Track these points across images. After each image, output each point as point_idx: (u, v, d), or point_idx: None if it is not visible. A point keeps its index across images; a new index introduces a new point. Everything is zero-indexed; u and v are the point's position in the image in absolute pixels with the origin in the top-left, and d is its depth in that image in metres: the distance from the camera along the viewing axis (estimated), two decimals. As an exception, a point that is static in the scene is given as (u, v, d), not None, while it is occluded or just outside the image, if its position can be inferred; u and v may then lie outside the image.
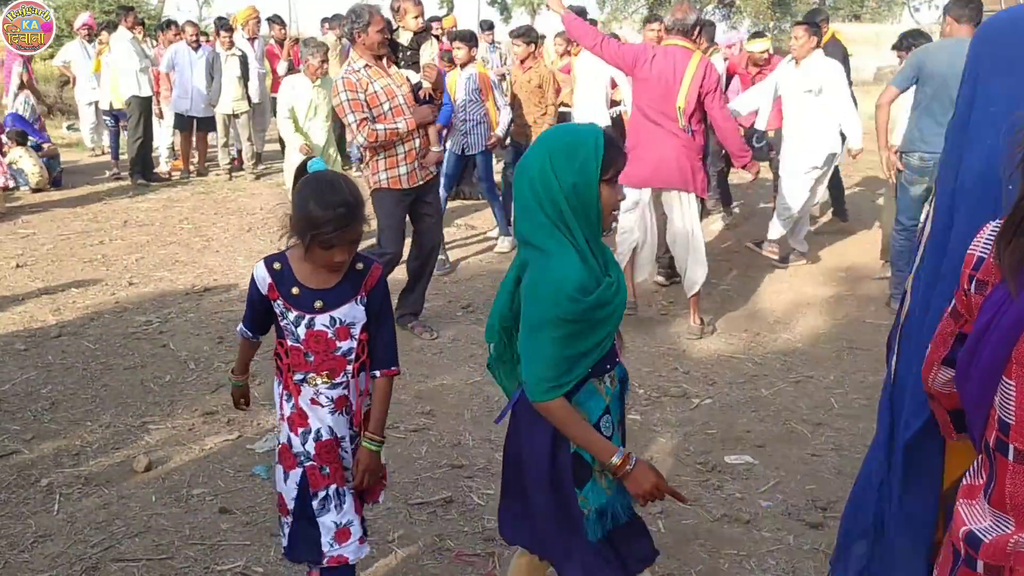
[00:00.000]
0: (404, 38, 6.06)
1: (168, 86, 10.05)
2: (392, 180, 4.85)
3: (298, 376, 2.28)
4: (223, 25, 10.11)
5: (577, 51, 7.63)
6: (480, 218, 8.26)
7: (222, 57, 9.77)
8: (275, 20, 11.04)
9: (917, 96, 5.25)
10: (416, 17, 5.28)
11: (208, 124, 10.32)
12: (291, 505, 2.31)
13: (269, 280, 2.25)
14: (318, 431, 2.29)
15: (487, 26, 12.15)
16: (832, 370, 4.71)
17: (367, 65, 4.74)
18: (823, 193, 7.05)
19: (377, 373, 2.37)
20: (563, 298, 1.85)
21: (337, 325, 2.25)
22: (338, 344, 2.26)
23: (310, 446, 2.29)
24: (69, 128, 13.34)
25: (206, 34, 10.14)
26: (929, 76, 5.10)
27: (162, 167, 10.49)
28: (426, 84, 5.17)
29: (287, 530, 2.34)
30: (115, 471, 3.55)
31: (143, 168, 9.89)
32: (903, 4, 32.77)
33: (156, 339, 5.08)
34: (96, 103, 10.97)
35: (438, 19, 10.95)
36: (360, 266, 2.28)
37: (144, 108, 9.80)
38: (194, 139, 10.44)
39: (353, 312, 2.27)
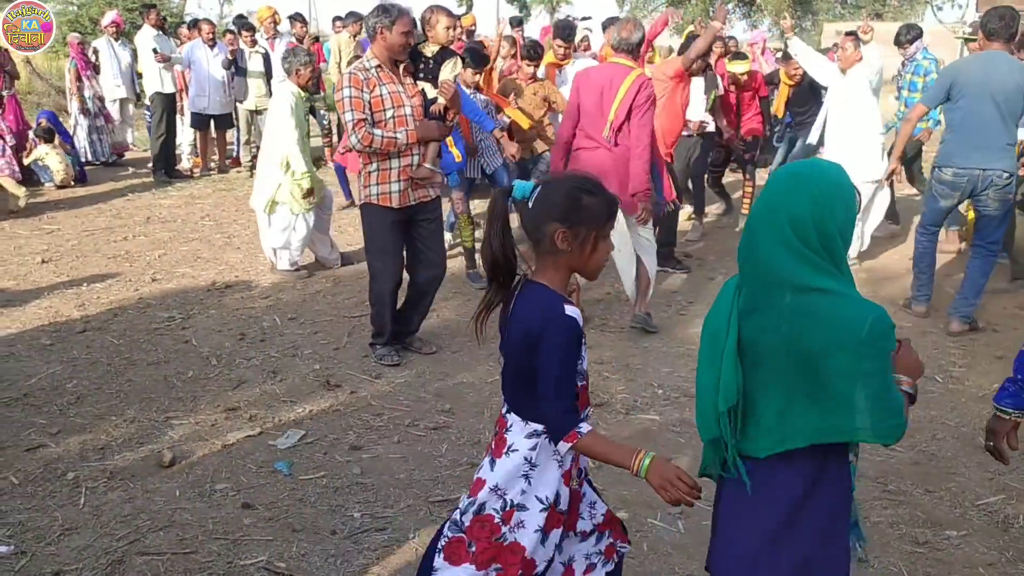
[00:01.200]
0: (429, 50, 5.70)
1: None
2: (382, 197, 4.52)
3: (582, 414, 2.09)
4: (244, 24, 10.19)
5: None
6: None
7: (246, 54, 9.84)
8: (297, 18, 11.10)
9: (949, 114, 5.22)
10: (447, 28, 5.01)
11: (226, 122, 10.40)
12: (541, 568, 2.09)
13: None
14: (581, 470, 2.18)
15: (516, 22, 12.13)
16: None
17: (379, 66, 4.46)
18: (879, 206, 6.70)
19: None
20: (887, 330, 1.71)
21: None
22: None
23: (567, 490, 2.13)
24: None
25: (232, 32, 10.18)
26: (960, 94, 5.07)
27: (184, 164, 10.58)
28: (441, 100, 4.88)
29: None
30: (140, 465, 3.59)
31: (165, 165, 9.98)
32: (926, 3, 32.48)
33: (179, 335, 5.14)
34: (121, 100, 11.10)
35: (456, 18, 10.96)
36: None
37: (167, 105, 9.90)
38: (213, 136, 10.53)
39: None
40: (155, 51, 9.75)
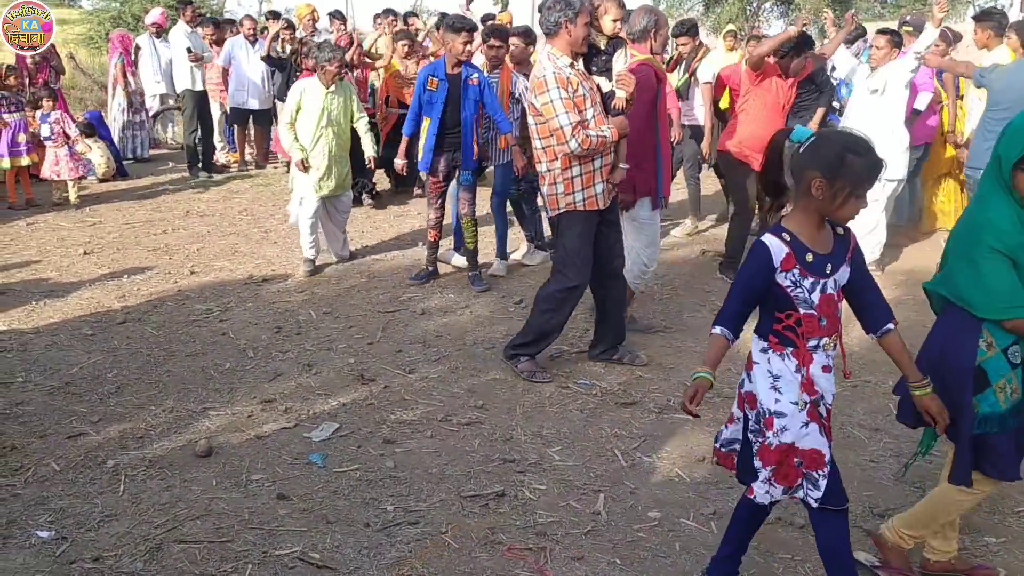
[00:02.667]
0: (602, 42, 5.27)
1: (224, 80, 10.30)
2: (589, 200, 4.29)
3: (812, 343, 2.41)
4: (285, 24, 10.29)
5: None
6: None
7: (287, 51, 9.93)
8: (336, 16, 11.17)
9: (984, 115, 5.22)
10: (615, 20, 4.76)
11: (265, 117, 10.51)
12: (828, 455, 2.45)
13: (787, 251, 2.35)
14: (823, 398, 2.45)
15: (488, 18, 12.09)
16: (890, 375, 4.61)
17: (572, 64, 4.22)
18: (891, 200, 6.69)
19: (891, 326, 2.55)
20: None
21: (837, 287, 2.43)
22: (839, 306, 2.45)
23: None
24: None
25: (264, 28, 10.30)
26: (995, 101, 5.12)
27: (219, 158, 10.71)
28: (620, 94, 4.47)
29: (824, 482, 2.44)
30: (178, 455, 3.65)
31: (199, 160, 10.11)
32: (968, 3, 31.85)
33: (216, 327, 5.21)
34: (160, 95, 11.26)
35: (492, 16, 10.97)
36: (841, 231, 2.45)
37: (197, 101, 10.01)
38: (251, 132, 10.65)
39: (844, 273, 2.45)
40: (189, 50, 9.87)
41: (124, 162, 10.18)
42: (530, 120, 4.35)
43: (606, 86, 4.58)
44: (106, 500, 3.29)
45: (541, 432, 3.91)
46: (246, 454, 3.67)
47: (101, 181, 9.50)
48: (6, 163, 8.21)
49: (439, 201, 6.05)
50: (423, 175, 6.54)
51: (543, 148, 4.31)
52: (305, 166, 6.13)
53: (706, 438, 3.88)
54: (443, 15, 10.08)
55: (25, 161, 8.31)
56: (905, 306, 5.76)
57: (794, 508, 3.30)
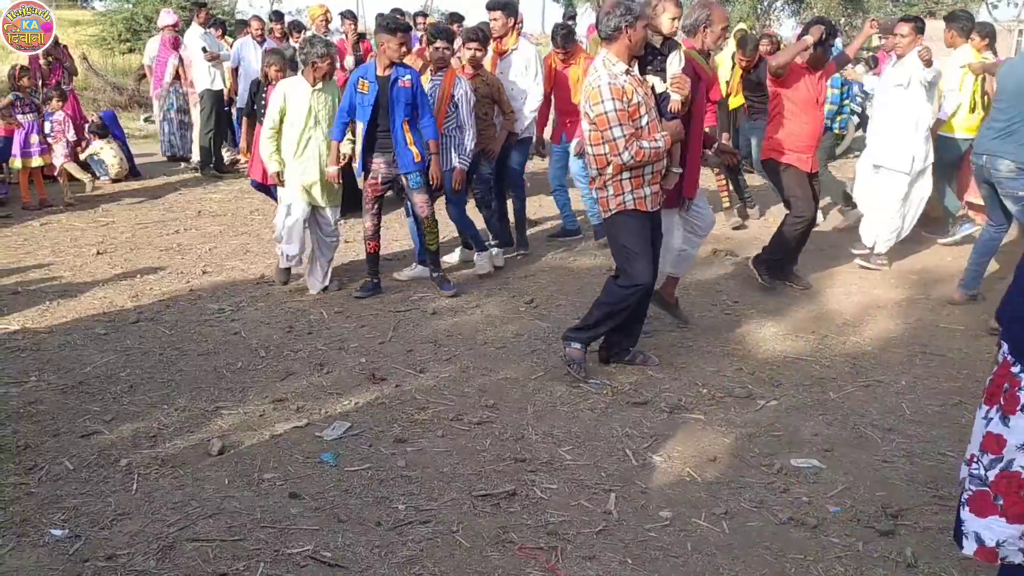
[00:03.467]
0: (656, 41, 4.97)
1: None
2: (638, 201, 4.30)
3: None
4: (296, 25, 10.34)
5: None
6: (541, 214, 8.27)
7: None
8: (347, 15, 11.21)
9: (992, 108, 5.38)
10: (673, 19, 4.59)
11: None
12: None
13: None
14: None
15: (568, 16, 12.23)
16: (903, 375, 4.61)
17: (628, 70, 4.15)
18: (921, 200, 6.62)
19: None
20: None
21: None
22: None
23: None
24: (146, 120, 13.75)
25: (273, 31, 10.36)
26: (1001, 91, 5.31)
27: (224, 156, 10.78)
28: (676, 97, 4.41)
29: None
30: (190, 453, 3.67)
31: (212, 160, 10.15)
32: (981, 1, 31.68)
33: (228, 327, 5.23)
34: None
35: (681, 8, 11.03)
36: None
37: (216, 101, 10.06)
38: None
39: None
40: (204, 50, 9.92)
41: (180, 161, 10.28)
42: (584, 126, 4.32)
43: (660, 87, 4.49)
44: (119, 498, 3.31)
45: (552, 431, 3.91)
46: (258, 453, 3.68)
47: (114, 181, 9.55)
48: (18, 163, 8.26)
49: (375, 206, 5.78)
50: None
51: (595, 155, 4.28)
52: (281, 180, 5.80)
53: (717, 437, 3.87)
54: (453, 15, 10.12)
55: (38, 162, 8.36)
56: (919, 306, 5.74)
57: (806, 508, 3.29)
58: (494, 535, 3.10)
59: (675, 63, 4.53)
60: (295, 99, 5.74)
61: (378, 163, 5.65)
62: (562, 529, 3.14)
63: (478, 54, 6.17)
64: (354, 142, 5.90)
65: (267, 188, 6.68)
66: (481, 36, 6.19)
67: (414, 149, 5.57)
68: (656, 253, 4.55)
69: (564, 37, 6.87)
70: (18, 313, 5.40)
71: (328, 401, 4.21)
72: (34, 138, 8.30)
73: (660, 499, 3.36)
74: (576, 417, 4.07)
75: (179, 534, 3.07)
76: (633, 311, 4.54)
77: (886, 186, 6.30)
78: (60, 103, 8.65)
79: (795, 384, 4.47)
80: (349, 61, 10.53)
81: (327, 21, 10.47)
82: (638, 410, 4.15)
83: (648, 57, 4.49)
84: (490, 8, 6.63)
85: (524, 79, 6.62)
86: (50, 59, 9.47)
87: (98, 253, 6.81)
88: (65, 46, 10.06)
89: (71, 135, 8.73)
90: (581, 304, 5.68)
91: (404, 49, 5.53)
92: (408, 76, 5.48)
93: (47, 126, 8.48)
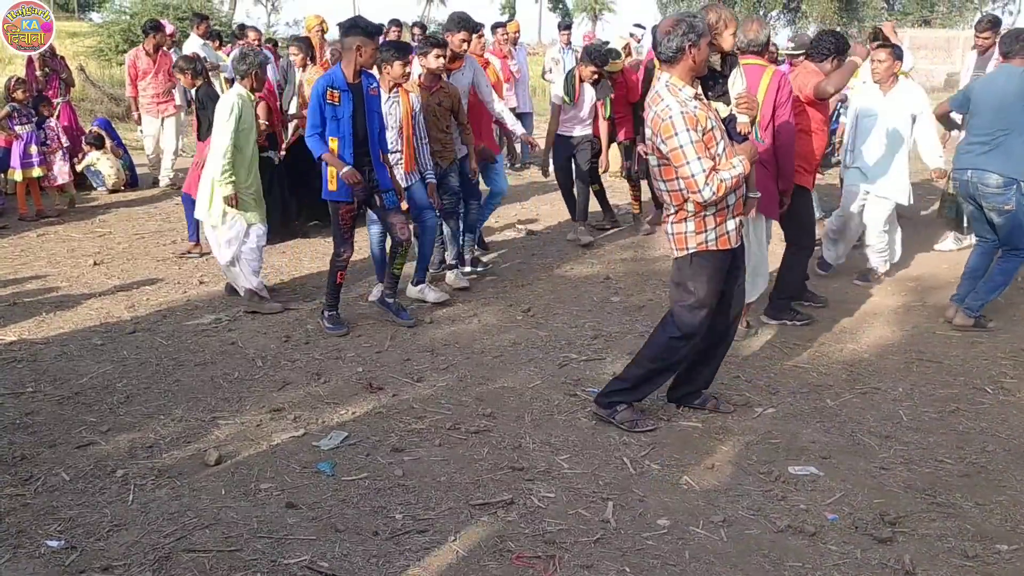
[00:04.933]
0: (716, 63, 4.69)
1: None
2: (721, 239, 3.81)
3: None
4: (267, 37, 10.39)
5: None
6: (540, 223, 8.29)
7: (295, 63, 9.99)
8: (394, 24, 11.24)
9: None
10: (733, 35, 4.37)
11: None
12: None
13: None
14: None
15: (564, 26, 12.23)
16: (901, 382, 4.61)
17: (697, 95, 3.73)
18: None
19: None
20: None
21: None
22: None
23: None
24: (142, 131, 13.75)
25: (272, 41, 10.37)
26: (978, 106, 5.36)
27: None
28: (743, 119, 4.17)
29: None
30: (187, 464, 3.66)
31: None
32: (975, 9, 31.87)
33: (225, 337, 5.22)
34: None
35: (502, 24, 11.05)
36: None
37: None
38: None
39: None
40: (204, 59, 9.94)
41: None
42: (652, 160, 3.87)
43: (724, 111, 4.19)
44: (115, 509, 3.30)
45: (550, 440, 3.91)
46: (255, 463, 3.67)
47: (111, 192, 9.56)
48: (18, 175, 8.26)
49: (352, 234, 5.33)
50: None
51: (668, 191, 3.83)
52: (235, 202, 5.51)
53: (715, 445, 3.87)
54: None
55: (36, 172, 8.36)
56: (916, 313, 5.75)
57: (804, 516, 3.29)
58: (492, 544, 3.09)
59: (738, 82, 4.34)
60: (246, 112, 5.48)
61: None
62: (560, 538, 3.14)
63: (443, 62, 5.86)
64: (235, 183, 5.48)
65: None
66: (443, 43, 5.91)
67: (387, 165, 5.29)
68: (733, 293, 4.08)
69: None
70: (15, 324, 5.39)
71: (325, 411, 4.20)
72: (33, 148, 8.31)
73: (658, 507, 3.36)
74: (573, 426, 4.07)
75: (175, 545, 3.06)
76: (725, 344, 4.18)
77: (871, 210, 6.19)
78: (48, 109, 8.69)
79: (792, 392, 4.47)
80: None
81: (323, 32, 10.51)
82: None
83: (709, 81, 4.13)
84: (473, 29, 6.27)
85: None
86: (47, 70, 9.48)
87: (95, 264, 6.81)
88: (62, 57, 10.07)
89: (65, 141, 8.73)
90: (578, 313, 5.69)
91: (408, 70, 5.45)
92: (375, 84, 5.18)
93: (42, 135, 8.49)
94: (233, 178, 5.47)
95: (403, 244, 5.36)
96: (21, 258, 6.99)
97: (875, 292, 6.18)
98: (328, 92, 4.97)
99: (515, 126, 6.74)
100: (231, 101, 5.43)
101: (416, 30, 11.64)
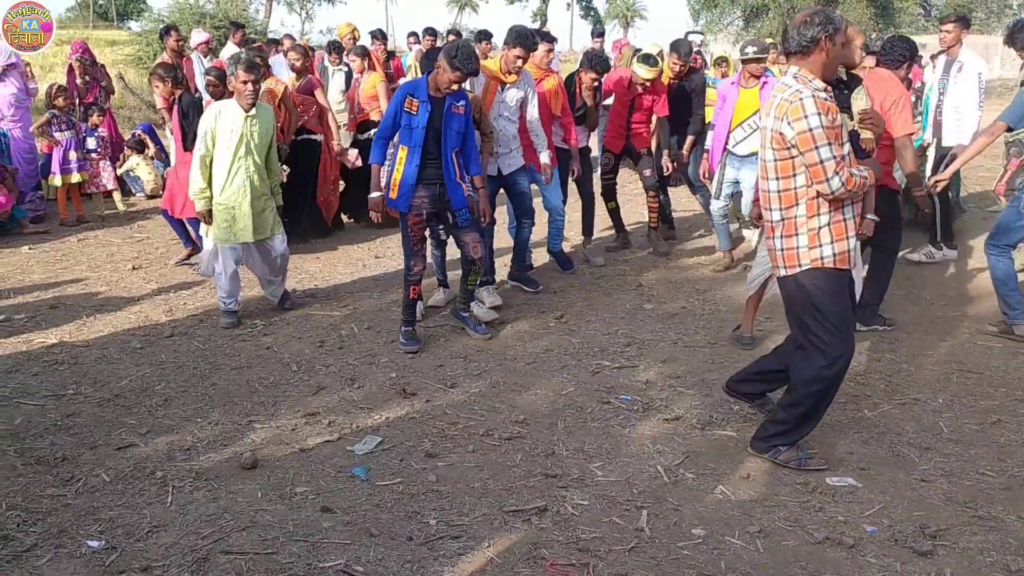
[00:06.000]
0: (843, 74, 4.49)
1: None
2: (840, 257, 3.48)
3: None
4: (335, 47, 10.47)
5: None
6: (572, 229, 8.27)
7: (329, 71, 10.12)
8: (376, 35, 11.34)
9: None
10: (860, 47, 4.16)
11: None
12: None
13: None
14: None
15: (596, 34, 12.31)
16: (940, 393, 4.53)
17: (827, 89, 3.44)
18: None
19: None
20: None
21: None
22: None
23: None
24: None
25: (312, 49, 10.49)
26: None
27: None
28: (867, 135, 3.99)
29: None
30: (224, 467, 3.70)
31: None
32: (1014, 14, 31.35)
33: (260, 341, 5.28)
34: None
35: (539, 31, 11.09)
36: None
37: None
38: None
39: None
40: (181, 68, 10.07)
41: None
42: (767, 155, 3.53)
43: (848, 125, 3.86)
44: (154, 511, 3.34)
45: (583, 447, 3.90)
46: (290, 467, 3.70)
47: (149, 197, 9.70)
48: (58, 181, 8.43)
49: (422, 247, 5.21)
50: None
51: (780, 191, 3.50)
52: (208, 219, 5.45)
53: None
54: (481, 32, 10.18)
55: (76, 178, 8.53)
56: (956, 323, 5.65)
57: (842, 528, 3.24)
58: (525, 551, 3.09)
59: (861, 98, 4.18)
60: (226, 123, 5.32)
61: (421, 197, 5.02)
62: (593, 546, 3.12)
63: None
64: (211, 198, 5.42)
65: (180, 223, 6.85)
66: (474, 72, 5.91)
67: (464, 184, 5.10)
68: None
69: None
70: (56, 327, 5.49)
71: (359, 416, 4.23)
72: (72, 155, 8.47)
73: (693, 517, 3.33)
74: (607, 433, 4.05)
75: (213, 547, 3.10)
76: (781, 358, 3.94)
77: None
78: (100, 118, 8.85)
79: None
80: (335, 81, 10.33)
81: (355, 40, 10.61)
82: (670, 426, 4.12)
83: (833, 91, 3.75)
84: (531, 47, 5.99)
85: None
86: (87, 78, 9.66)
87: (133, 268, 6.91)
88: (102, 65, 10.25)
89: (107, 149, 8.93)
90: (611, 320, 5.67)
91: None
92: (462, 103, 5.02)
93: (91, 142, 8.65)
94: (207, 192, 5.42)
95: (476, 263, 5.25)
96: (62, 262, 7.13)
97: (913, 301, 6.09)
98: (407, 100, 4.94)
99: (541, 154, 6.23)
100: (209, 112, 5.38)
101: (452, 37, 11.72)
